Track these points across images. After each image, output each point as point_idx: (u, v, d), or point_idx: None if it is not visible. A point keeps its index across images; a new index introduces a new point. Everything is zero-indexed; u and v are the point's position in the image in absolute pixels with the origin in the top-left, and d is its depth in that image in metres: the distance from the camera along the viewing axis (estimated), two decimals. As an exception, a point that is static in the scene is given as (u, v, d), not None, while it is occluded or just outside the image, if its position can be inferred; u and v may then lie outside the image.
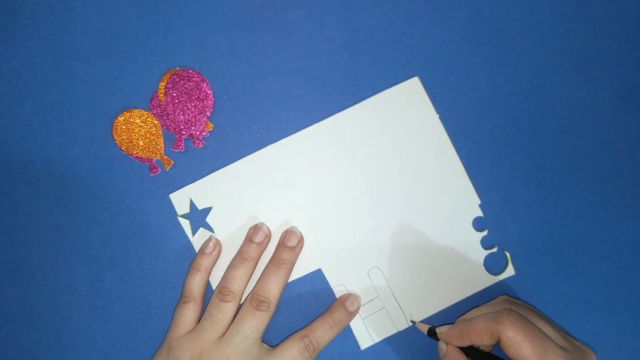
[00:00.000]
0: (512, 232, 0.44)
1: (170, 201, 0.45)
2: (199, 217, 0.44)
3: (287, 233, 0.43)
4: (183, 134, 0.44)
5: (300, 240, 0.43)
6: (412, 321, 0.43)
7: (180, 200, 0.44)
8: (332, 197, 0.44)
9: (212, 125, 0.45)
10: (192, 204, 0.44)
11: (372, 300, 0.44)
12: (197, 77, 0.45)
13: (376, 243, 0.44)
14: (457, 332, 0.39)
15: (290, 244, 0.43)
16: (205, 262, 0.43)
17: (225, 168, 0.44)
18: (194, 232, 0.44)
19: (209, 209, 0.44)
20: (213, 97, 0.45)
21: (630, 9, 0.45)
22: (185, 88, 0.45)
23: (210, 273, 0.44)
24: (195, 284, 0.43)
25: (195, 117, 0.44)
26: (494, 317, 0.37)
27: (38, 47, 0.46)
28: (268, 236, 0.43)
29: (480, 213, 0.44)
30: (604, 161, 0.44)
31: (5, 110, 0.46)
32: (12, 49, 0.46)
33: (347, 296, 0.43)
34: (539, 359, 0.35)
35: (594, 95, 0.45)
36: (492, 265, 0.44)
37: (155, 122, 0.45)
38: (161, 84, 0.45)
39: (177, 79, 0.45)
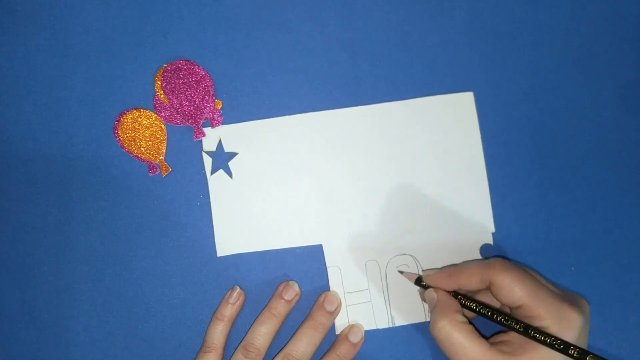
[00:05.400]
0: (513, 231, 0.44)
1: (168, 196, 0.45)
2: (222, 158, 0.45)
3: (328, 296, 0.43)
4: (199, 121, 0.44)
5: (339, 305, 0.43)
6: (400, 271, 0.43)
7: (210, 137, 0.45)
8: (354, 181, 0.44)
9: (220, 102, 0.45)
10: (219, 144, 0.44)
11: (362, 291, 0.44)
12: (185, 64, 0.45)
13: (382, 238, 0.44)
14: (446, 275, 0.39)
15: (329, 308, 0.42)
16: (228, 312, 0.43)
17: (262, 120, 0.45)
18: (212, 172, 0.44)
19: (235, 154, 0.44)
20: (209, 75, 0.45)
21: (630, 9, 0.45)
22: (180, 78, 0.45)
23: (232, 323, 0.43)
24: (217, 334, 0.42)
25: (202, 101, 0.44)
26: (486, 262, 0.37)
27: (38, 46, 0.46)
28: (298, 294, 0.43)
29: (490, 241, 0.44)
30: (604, 161, 0.44)
31: (5, 109, 0.46)
32: (12, 49, 0.46)
33: (350, 327, 0.43)
34: (532, 299, 0.35)
35: (594, 95, 0.45)
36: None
37: (162, 126, 0.45)
38: (156, 86, 0.45)
39: (169, 75, 0.45)
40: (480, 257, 0.44)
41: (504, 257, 0.40)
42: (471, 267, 0.38)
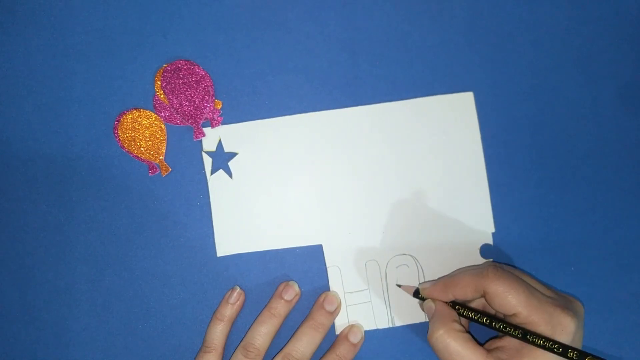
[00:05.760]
0: (513, 231, 0.44)
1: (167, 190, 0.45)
2: (222, 158, 0.45)
3: (328, 296, 0.43)
4: (199, 121, 0.44)
5: (339, 305, 0.43)
6: (397, 285, 0.43)
7: (210, 137, 0.45)
8: (352, 181, 0.44)
9: (220, 102, 0.45)
10: (219, 144, 0.44)
11: (362, 291, 0.44)
12: (185, 64, 0.45)
13: (382, 238, 0.44)
14: (441, 287, 0.39)
15: (329, 308, 0.43)
16: (228, 312, 0.43)
17: (262, 120, 0.45)
18: (212, 172, 0.45)
19: (235, 154, 0.44)
20: (209, 75, 0.45)
21: (630, 9, 0.45)
22: (180, 78, 0.45)
23: (232, 323, 0.43)
24: (217, 334, 0.42)
25: (202, 101, 0.44)
26: (479, 271, 0.38)
27: (38, 46, 0.46)
28: (298, 294, 0.43)
29: (490, 241, 0.44)
30: (604, 161, 0.44)
31: (5, 109, 0.46)
32: (12, 49, 0.46)
33: (350, 327, 0.43)
34: (525, 307, 0.36)
35: (594, 95, 0.45)
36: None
37: (162, 126, 0.45)
38: (156, 86, 0.45)
39: (169, 75, 0.45)
40: (480, 257, 0.44)
41: (498, 263, 0.40)
42: (465, 277, 0.38)
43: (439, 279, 0.41)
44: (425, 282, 0.42)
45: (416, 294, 0.42)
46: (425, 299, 0.41)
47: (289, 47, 0.45)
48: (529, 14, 0.45)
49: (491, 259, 0.43)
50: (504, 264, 0.42)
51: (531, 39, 0.45)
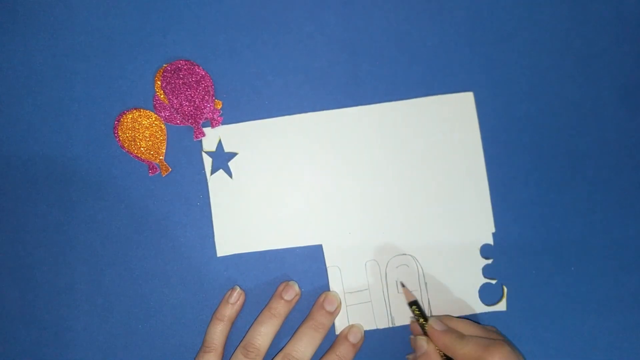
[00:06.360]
0: (513, 231, 0.44)
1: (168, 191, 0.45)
2: (222, 158, 0.45)
3: (328, 296, 0.43)
4: (199, 122, 0.44)
5: (339, 306, 0.43)
6: (401, 283, 0.43)
7: (210, 137, 0.45)
8: (353, 181, 0.44)
9: (220, 102, 0.45)
10: (219, 144, 0.44)
11: (361, 291, 0.44)
12: (185, 64, 0.45)
13: (382, 238, 0.44)
14: (448, 341, 0.39)
15: (329, 308, 0.43)
16: (228, 312, 0.43)
17: (262, 120, 0.45)
18: (212, 172, 0.45)
19: (235, 154, 0.44)
20: (209, 75, 0.45)
21: (630, 9, 0.45)
22: (180, 78, 0.45)
23: (232, 323, 0.43)
24: (217, 334, 0.42)
25: (202, 101, 0.44)
26: (487, 344, 0.37)
27: (38, 46, 0.46)
28: (298, 294, 0.43)
29: (490, 241, 0.44)
30: (604, 161, 0.44)
31: (5, 109, 0.46)
32: (12, 49, 0.46)
33: (350, 327, 0.43)
34: None
35: (594, 95, 0.45)
36: (486, 295, 0.44)
37: (162, 126, 0.45)
38: (156, 86, 0.45)
39: (169, 75, 0.45)
40: (480, 257, 0.44)
41: (507, 340, 0.39)
42: (472, 345, 0.38)
43: (449, 328, 0.40)
44: (434, 317, 0.41)
45: (411, 304, 0.42)
46: (416, 313, 0.41)
47: (289, 47, 0.45)
48: (529, 14, 0.45)
49: (495, 328, 0.42)
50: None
51: (531, 39, 0.45)
